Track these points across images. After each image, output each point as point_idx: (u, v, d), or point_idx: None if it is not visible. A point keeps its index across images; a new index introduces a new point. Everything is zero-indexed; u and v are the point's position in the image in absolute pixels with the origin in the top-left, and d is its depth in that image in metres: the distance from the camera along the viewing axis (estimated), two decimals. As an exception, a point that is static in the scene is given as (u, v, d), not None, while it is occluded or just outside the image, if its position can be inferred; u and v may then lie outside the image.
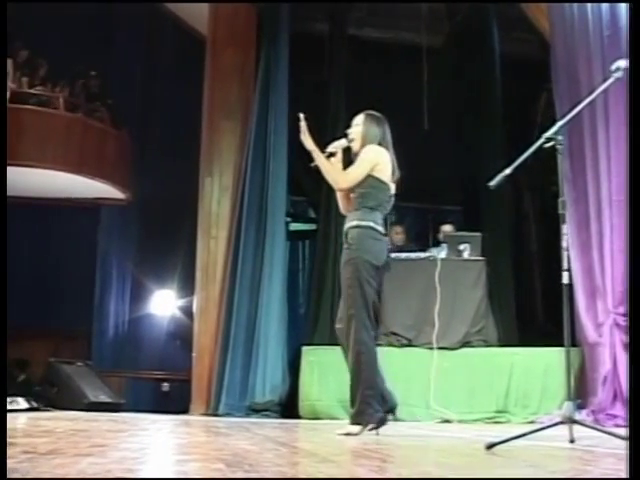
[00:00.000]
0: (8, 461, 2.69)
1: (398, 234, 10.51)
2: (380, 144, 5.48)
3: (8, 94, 12.50)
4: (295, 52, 10.70)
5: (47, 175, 12.51)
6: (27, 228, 13.48)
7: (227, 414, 9.26)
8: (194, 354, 10.10)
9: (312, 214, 11.48)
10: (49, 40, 13.66)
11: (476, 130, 11.68)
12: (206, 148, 10.45)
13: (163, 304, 13.53)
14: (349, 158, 5.61)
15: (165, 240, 12.87)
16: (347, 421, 5.38)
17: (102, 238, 13.63)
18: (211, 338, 9.87)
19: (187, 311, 12.42)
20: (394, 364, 8.87)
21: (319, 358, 9.17)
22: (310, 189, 11.13)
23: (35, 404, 9.89)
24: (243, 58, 10.70)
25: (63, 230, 13.53)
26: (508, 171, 4.11)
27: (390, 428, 5.37)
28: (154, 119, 13.94)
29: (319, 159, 5.47)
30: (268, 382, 9.48)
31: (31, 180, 12.70)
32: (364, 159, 5.42)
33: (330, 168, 5.50)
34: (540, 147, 4.12)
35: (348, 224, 5.39)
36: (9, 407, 9.23)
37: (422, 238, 11.09)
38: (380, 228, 5.37)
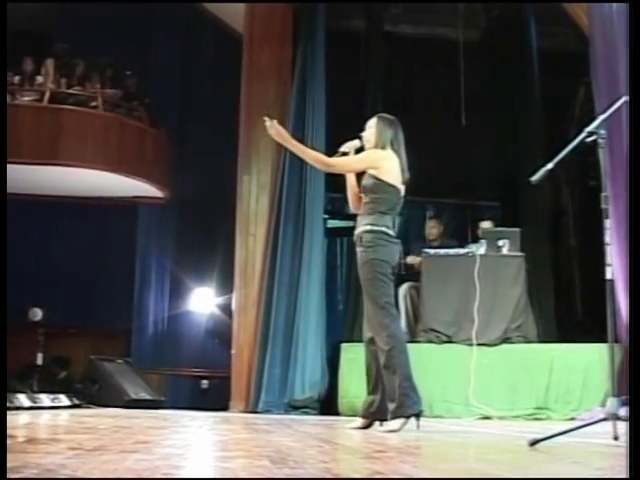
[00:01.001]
0: (56, 457, 2.72)
1: (433, 228, 10.47)
2: (396, 149, 5.61)
3: (47, 94, 12.62)
4: (332, 49, 10.70)
5: (86, 174, 12.61)
6: (66, 227, 13.59)
7: (266, 411, 9.29)
8: (233, 351, 10.14)
9: (349, 211, 11.47)
10: (87, 40, 13.76)
11: (514, 125, 11.61)
12: (244, 146, 10.48)
13: (202, 302, 13.57)
14: None
15: (203, 238, 12.91)
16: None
17: (141, 236, 13.69)
18: (250, 335, 9.90)
19: (226, 309, 12.46)
20: (433, 361, 8.89)
21: (358, 355, 9.09)
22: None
23: (76, 401, 9.98)
24: (280, 56, 10.72)
25: (102, 229, 13.61)
26: (550, 166, 4.09)
27: (430, 424, 5.37)
28: (192, 118, 13.98)
29: (294, 148, 5.75)
30: (307, 379, 9.50)
31: (70, 180, 12.83)
32: (365, 155, 5.63)
33: (310, 151, 5.78)
34: (582, 141, 4.09)
35: (361, 228, 5.51)
36: (52, 404, 9.32)
37: (460, 234, 11.05)
38: (392, 232, 5.51)
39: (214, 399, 11.61)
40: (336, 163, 5.64)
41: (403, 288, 9.72)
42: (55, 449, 3.12)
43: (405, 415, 5.20)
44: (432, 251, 9.64)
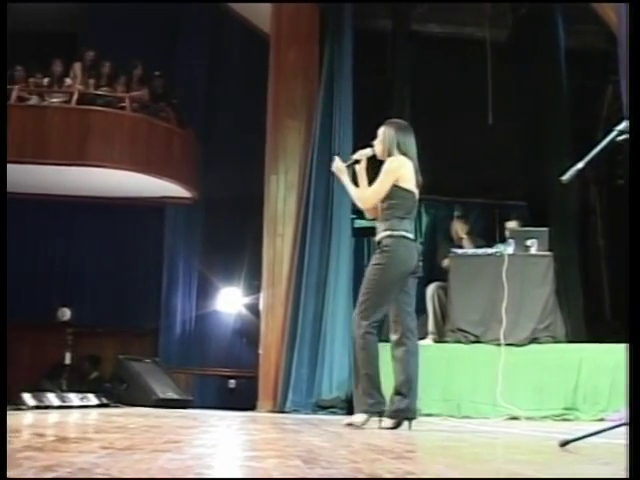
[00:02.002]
0: (89, 456, 2.74)
1: (460, 228, 10.45)
2: (403, 152, 5.68)
3: (75, 96, 12.70)
4: (358, 49, 10.71)
5: (114, 175, 12.69)
6: (95, 228, 13.66)
7: (294, 411, 9.30)
8: (260, 351, 10.16)
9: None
10: (115, 41, 13.84)
11: (541, 124, 11.55)
12: (271, 146, 10.50)
13: (229, 301, 13.60)
14: (375, 168, 5.80)
15: (231, 238, 12.94)
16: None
17: (169, 236, 13.74)
18: (277, 335, 9.92)
19: (253, 308, 12.48)
20: (461, 361, 8.88)
21: (385, 354, 9.15)
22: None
23: (105, 400, 10.04)
24: (307, 56, 10.73)
25: (130, 229, 13.68)
26: (580, 165, 4.06)
27: (458, 424, 5.36)
28: (219, 118, 14.03)
29: (345, 182, 5.85)
30: (334, 379, 9.50)
31: (98, 180, 12.91)
32: (386, 171, 5.63)
33: (353, 190, 5.79)
34: (612, 141, 4.06)
35: (381, 233, 5.62)
36: (81, 403, 9.39)
37: (488, 234, 11.01)
38: (410, 235, 5.63)
39: (241, 399, 11.64)
40: (369, 196, 5.68)
41: (431, 288, 9.72)
42: (87, 448, 3.14)
43: (369, 414, 5.47)
44: (460, 251, 9.64)
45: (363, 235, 11.09)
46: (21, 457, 2.63)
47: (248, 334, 12.83)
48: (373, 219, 10.65)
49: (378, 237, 5.65)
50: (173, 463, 2.57)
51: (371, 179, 5.79)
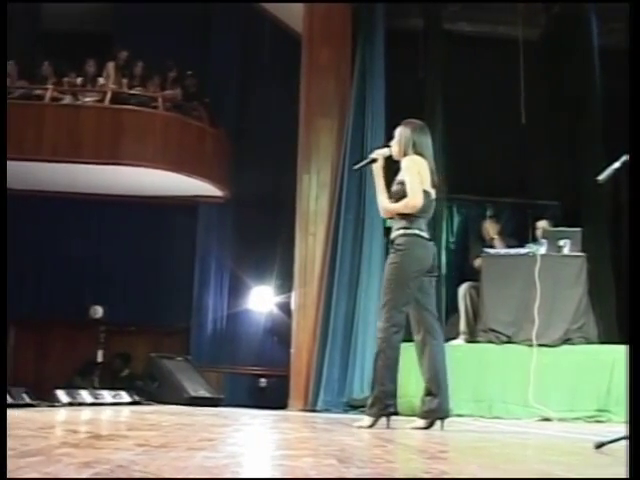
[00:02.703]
0: (125, 453, 2.77)
1: (491, 228, 10.43)
2: (419, 152, 5.67)
3: (109, 95, 12.78)
4: (390, 48, 10.70)
5: (146, 174, 12.75)
6: (127, 226, 13.73)
7: (325, 410, 9.30)
8: (292, 350, 10.17)
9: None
10: (146, 40, 13.91)
11: (574, 124, 11.49)
12: (303, 146, 10.52)
13: (261, 300, 13.62)
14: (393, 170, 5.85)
15: (263, 237, 12.95)
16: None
17: (201, 235, 13.78)
18: (309, 334, 9.93)
19: (285, 307, 12.50)
20: (493, 361, 8.85)
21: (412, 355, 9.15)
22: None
23: (137, 398, 10.10)
24: (339, 56, 10.73)
25: (163, 228, 13.74)
26: (617, 165, 4.04)
27: (489, 425, 5.35)
28: (251, 117, 14.05)
29: (379, 186, 5.84)
30: (366, 378, 9.46)
31: (131, 179, 12.97)
32: (408, 170, 5.62)
33: (393, 205, 5.68)
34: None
35: (396, 232, 5.64)
36: (113, 400, 9.45)
37: (520, 234, 10.96)
38: (425, 234, 5.62)
39: (272, 397, 11.66)
40: (419, 198, 5.55)
41: (463, 288, 9.69)
42: (123, 445, 3.17)
43: (374, 415, 5.43)
44: (492, 251, 9.61)
45: (394, 234, 11.07)
46: (59, 453, 2.67)
47: (279, 333, 12.86)
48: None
49: (392, 235, 5.68)
50: (209, 461, 2.58)
51: (388, 181, 5.83)
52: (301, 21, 11.28)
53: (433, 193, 5.70)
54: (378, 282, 9.80)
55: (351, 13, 10.92)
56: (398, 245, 5.57)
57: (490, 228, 10.48)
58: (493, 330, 9.01)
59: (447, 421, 5.51)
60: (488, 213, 11.22)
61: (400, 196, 5.60)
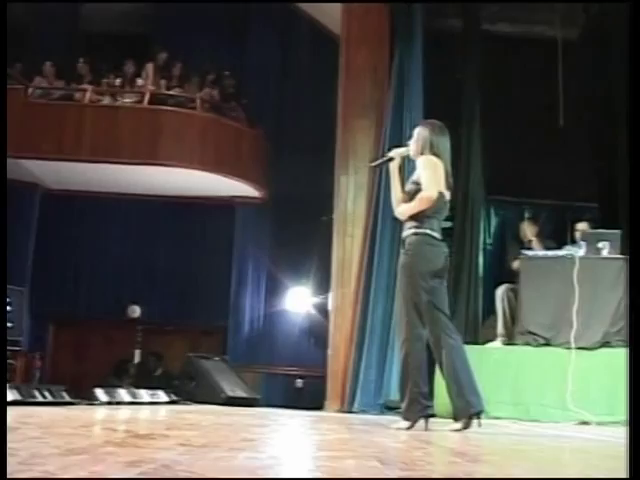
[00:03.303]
0: (169, 453, 2.79)
1: (529, 230, 10.37)
2: (435, 153, 5.61)
3: (147, 96, 12.87)
4: (428, 49, 10.67)
5: (184, 174, 12.83)
6: (165, 226, 13.82)
7: (361, 411, 9.30)
8: (329, 351, 10.17)
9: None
10: (184, 41, 14.00)
11: (612, 124, 11.39)
12: (341, 146, 10.50)
13: (298, 301, 13.64)
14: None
15: (300, 238, 12.94)
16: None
17: (238, 235, 13.81)
18: (346, 335, 9.92)
19: (322, 308, 12.51)
20: (531, 364, 8.79)
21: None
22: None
23: (174, 397, 10.14)
24: (376, 56, 10.72)
25: (200, 228, 13.81)
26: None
27: (528, 428, 5.32)
28: (289, 117, 14.08)
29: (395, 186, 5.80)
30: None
31: (169, 179, 13.05)
32: (425, 167, 5.56)
33: (406, 206, 5.61)
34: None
35: (407, 231, 5.59)
36: (151, 399, 9.50)
37: (558, 235, 10.89)
38: (437, 234, 5.54)
39: (308, 398, 11.68)
40: (434, 191, 5.48)
41: (500, 290, 9.64)
42: (166, 444, 3.18)
43: (412, 420, 5.35)
44: (530, 253, 9.55)
45: (431, 236, 11.03)
46: (103, 452, 2.69)
47: (316, 334, 12.87)
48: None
49: (404, 235, 5.63)
50: (253, 462, 2.60)
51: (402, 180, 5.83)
52: (339, 22, 11.28)
53: (448, 195, 5.63)
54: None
55: (389, 13, 10.89)
56: (408, 246, 5.53)
57: (528, 230, 10.42)
58: (531, 332, 8.95)
59: (484, 423, 5.47)
60: (526, 215, 11.14)
61: (413, 195, 5.54)
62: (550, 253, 9.32)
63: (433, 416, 5.52)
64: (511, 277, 9.76)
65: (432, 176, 5.49)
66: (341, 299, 10.11)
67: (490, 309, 10.04)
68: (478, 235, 10.67)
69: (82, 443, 3.01)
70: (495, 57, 11.47)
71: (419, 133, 5.72)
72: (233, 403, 10.04)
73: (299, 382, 13.20)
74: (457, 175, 10.74)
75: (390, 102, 10.35)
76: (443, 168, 5.60)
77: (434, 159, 5.57)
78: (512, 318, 9.44)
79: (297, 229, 13.02)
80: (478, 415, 5.42)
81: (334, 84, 10.94)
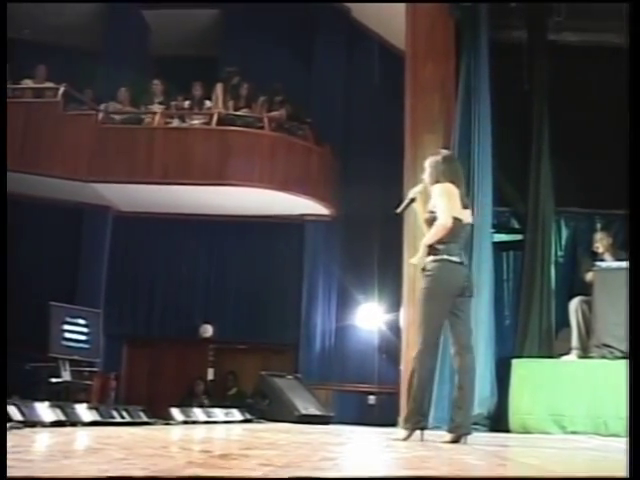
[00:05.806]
0: (252, 472, 2.80)
1: (602, 241, 10.23)
2: (450, 179, 6.02)
3: (215, 117, 13.00)
4: (494, 61, 10.62)
5: (254, 193, 12.91)
6: (236, 246, 13.90)
7: (435, 427, 9.23)
8: (401, 367, 10.13)
9: (515, 224, 11.28)
10: (251, 60, 14.12)
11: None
12: (409, 162, 10.47)
13: (369, 318, 13.61)
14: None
15: (370, 255, 12.94)
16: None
17: (308, 253, 13.83)
18: (419, 351, 9.86)
19: (393, 325, 12.49)
20: (607, 377, 8.67)
21: (530, 371, 9.07)
22: (513, 199, 11.00)
23: (248, 416, 10.20)
24: (443, 71, 10.70)
25: (270, 247, 13.87)
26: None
27: (607, 443, 5.24)
28: (357, 134, 14.10)
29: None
30: (477, 395, 9.35)
31: (239, 199, 13.13)
32: (439, 195, 5.93)
33: (427, 239, 6.00)
34: None
35: (426, 258, 5.99)
36: (225, 418, 9.57)
37: (632, 246, 10.73)
38: (454, 258, 5.96)
39: (381, 415, 11.66)
40: (448, 219, 5.83)
41: (574, 302, 9.54)
42: (248, 465, 3.20)
43: (409, 429, 5.90)
44: (604, 264, 9.43)
45: (502, 249, 10.97)
46: (188, 474, 2.72)
47: (387, 350, 12.83)
48: (513, 232, 10.50)
49: (424, 262, 6.01)
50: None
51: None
52: (404, 37, 11.29)
53: (466, 215, 6.05)
54: (488, 293, 9.75)
55: (454, 27, 10.88)
56: (428, 271, 5.95)
57: (600, 241, 10.28)
58: (607, 345, 8.85)
59: (562, 438, 5.46)
60: (598, 226, 11.00)
61: (432, 222, 5.93)
62: (624, 264, 9.18)
63: (425, 428, 6.05)
64: (584, 289, 9.65)
65: (446, 203, 5.88)
66: (413, 315, 10.06)
67: (563, 322, 9.93)
68: (549, 247, 10.56)
69: (166, 464, 3.04)
70: (562, 67, 11.37)
71: (430, 165, 6.15)
72: (306, 421, 10.05)
73: (371, 399, 13.17)
74: (526, 187, 10.71)
75: (458, 116, 10.32)
76: (458, 193, 5.99)
77: (447, 185, 5.97)
78: (587, 331, 9.33)
79: (367, 246, 13.01)
80: (465, 435, 5.83)
81: (401, 99, 10.95)
